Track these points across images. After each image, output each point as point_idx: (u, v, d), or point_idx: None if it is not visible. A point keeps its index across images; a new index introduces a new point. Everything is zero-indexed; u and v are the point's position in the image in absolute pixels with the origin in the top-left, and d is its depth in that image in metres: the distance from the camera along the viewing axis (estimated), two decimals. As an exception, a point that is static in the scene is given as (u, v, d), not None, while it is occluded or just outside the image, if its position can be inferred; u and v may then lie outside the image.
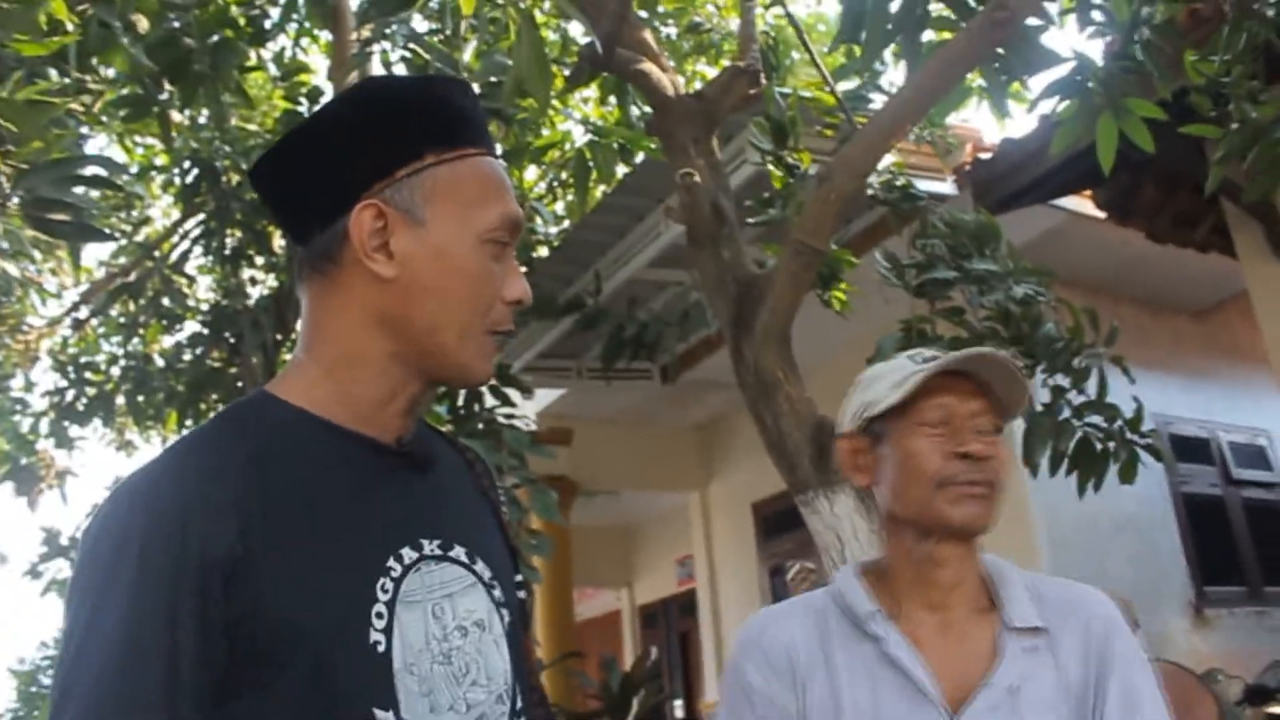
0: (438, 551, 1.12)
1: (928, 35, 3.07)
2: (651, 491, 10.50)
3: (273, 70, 6.86)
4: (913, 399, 1.50)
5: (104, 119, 4.57)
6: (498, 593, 1.16)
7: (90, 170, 2.53)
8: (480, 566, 1.15)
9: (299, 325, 1.17)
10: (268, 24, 5.39)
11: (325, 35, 7.00)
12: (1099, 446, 3.59)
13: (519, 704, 1.15)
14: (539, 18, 3.53)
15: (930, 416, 1.49)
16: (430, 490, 1.17)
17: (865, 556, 1.91)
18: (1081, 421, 3.59)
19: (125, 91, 3.82)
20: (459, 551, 1.14)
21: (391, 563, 1.07)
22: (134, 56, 3.35)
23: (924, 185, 5.43)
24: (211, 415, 1.12)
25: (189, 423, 7.56)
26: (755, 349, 2.89)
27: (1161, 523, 6.83)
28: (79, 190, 2.53)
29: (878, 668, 1.44)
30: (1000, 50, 3.14)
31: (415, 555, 1.09)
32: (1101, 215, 6.18)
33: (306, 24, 6.64)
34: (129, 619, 0.95)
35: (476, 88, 4.14)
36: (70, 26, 2.92)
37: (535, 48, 2.31)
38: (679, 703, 11.28)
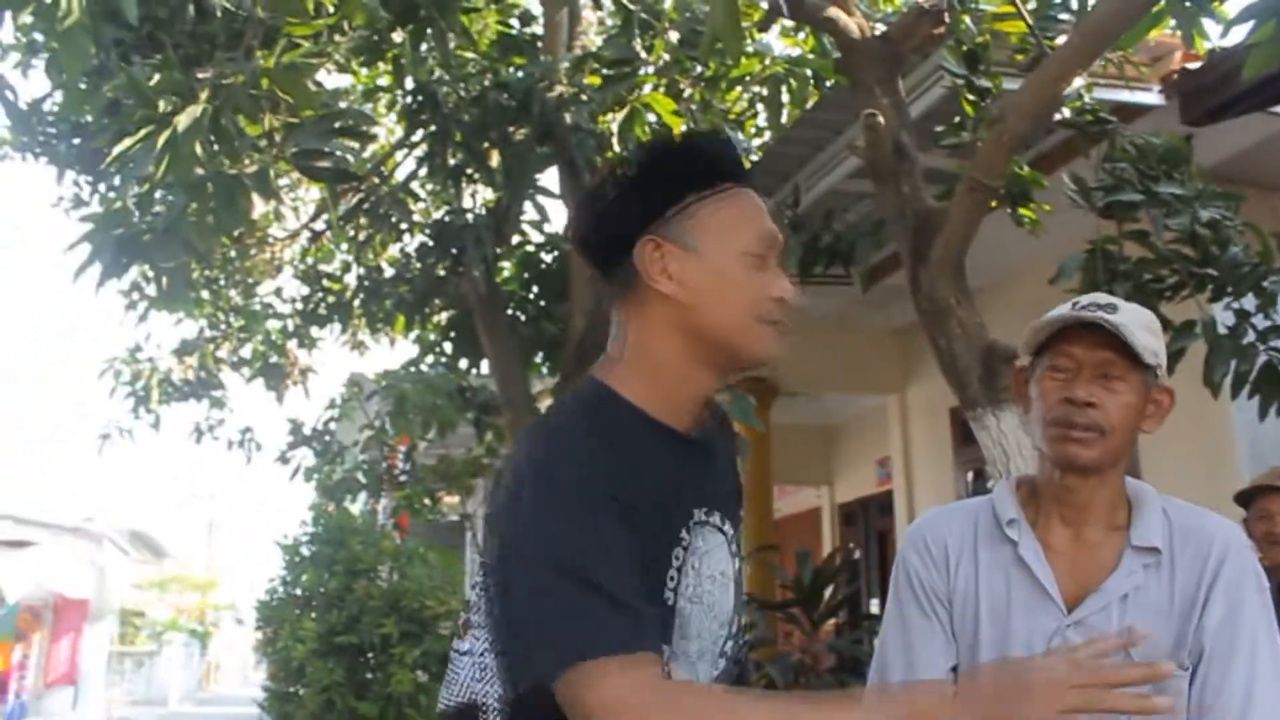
0: (704, 519, 1.46)
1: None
2: (850, 394, 10.67)
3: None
4: (1052, 343, 1.72)
5: (341, 61, 5.04)
6: (734, 546, 1.52)
7: (344, 123, 2.97)
8: (727, 527, 1.51)
9: (613, 336, 1.50)
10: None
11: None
12: (1284, 371, 3.64)
13: (733, 629, 1.50)
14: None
15: (1059, 362, 1.70)
16: (708, 469, 1.51)
17: (1027, 471, 2.10)
18: (1266, 346, 3.65)
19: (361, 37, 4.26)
20: (717, 517, 1.48)
21: (683, 534, 1.41)
22: (370, 9, 3.75)
23: (1130, 96, 5.38)
24: (568, 397, 1.49)
25: (416, 326, 8.24)
26: (930, 278, 3.11)
27: (1379, 439, 6.60)
28: (336, 140, 2.98)
29: (1012, 566, 1.72)
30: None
31: (694, 524, 1.43)
32: (1325, 121, 5.93)
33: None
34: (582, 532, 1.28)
35: (676, 35, 4.42)
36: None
37: (730, 11, 2.57)
38: (875, 602, 11.50)
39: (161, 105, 2.98)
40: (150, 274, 7.18)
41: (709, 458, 1.52)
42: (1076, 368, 1.69)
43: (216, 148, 2.98)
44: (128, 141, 2.84)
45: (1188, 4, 3.39)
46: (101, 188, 6.70)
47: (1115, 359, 1.66)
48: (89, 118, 5.36)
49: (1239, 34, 3.60)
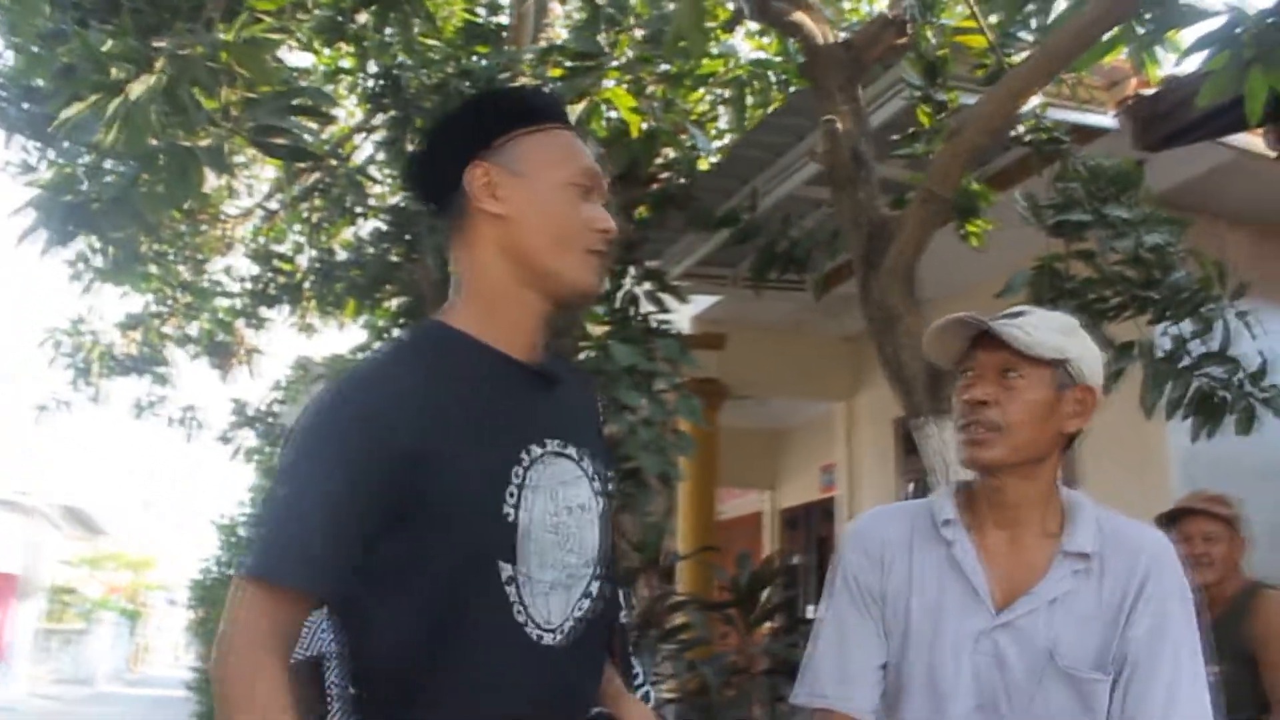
0: (557, 449, 1.49)
1: None
2: (799, 399, 10.72)
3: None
4: (967, 351, 1.79)
5: (303, 40, 4.99)
6: (597, 485, 1.54)
7: (304, 102, 2.95)
8: (587, 464, 1.53)
9: (452, 285, 1.56)
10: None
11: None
12: (1216, 397, 3.72)
13: (599, 570, 1.52)
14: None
15: (966, 368, 1.78)
16: (554, 401, 1.54)
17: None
18: (1200, 371, 3.72)
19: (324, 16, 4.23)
20: (572, 450, 1.52)
21: (523, 454, 1.44)
22: (336, -12, 3.72)
23: (1085, 118, 5.45)
24: (397, 332, 1.56)
25: (366, 311, 8.17)
26: (881, 285, 3.15)
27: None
28: (294, 118, 2.96)
29: (946, 567, 1.76)
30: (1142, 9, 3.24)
31: (540, 450, 1.46)
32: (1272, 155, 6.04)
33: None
34: (324, 485, 1.34)
35: (640, 33, 4.43)
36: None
37: (695, 10, 2.58)
38: (813, 607, 11.52)
39: (115, 72, 2.94)
40: (98, 245, 7.06)
41: (556, 389, 1.55)
42: (981, 371, 1.75)
43: (171, 118, 2.94)
44: (78, 106, 2.81)
45: (1141, 32, 3.45)
46: (51, 154, 6.57)
47: (1013, 358, 1.72)
48: (41, 82, 5.26)
49: (1194, 62, 3.66)
